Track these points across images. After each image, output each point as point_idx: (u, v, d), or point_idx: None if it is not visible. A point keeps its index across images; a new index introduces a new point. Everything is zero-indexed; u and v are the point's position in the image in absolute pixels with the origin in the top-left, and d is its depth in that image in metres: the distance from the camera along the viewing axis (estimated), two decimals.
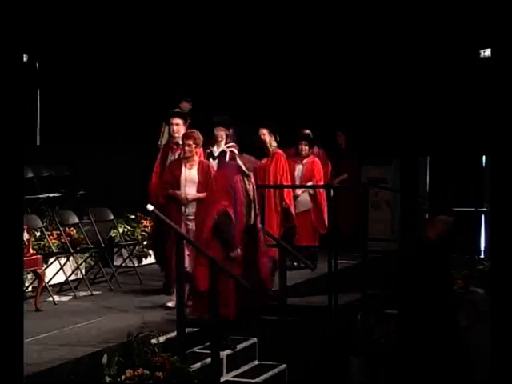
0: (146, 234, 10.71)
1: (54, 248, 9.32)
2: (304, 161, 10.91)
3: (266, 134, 10.09)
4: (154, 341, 6.75)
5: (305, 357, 8.21)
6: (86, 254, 9.74)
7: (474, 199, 13.45)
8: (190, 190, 8.38)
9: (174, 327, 7.15)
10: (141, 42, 13.28)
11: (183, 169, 8.42)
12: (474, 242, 13.45)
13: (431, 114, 13.34)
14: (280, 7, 13.37)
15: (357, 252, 10.09)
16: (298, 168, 10.89)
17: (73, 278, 9.43)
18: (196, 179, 8.40)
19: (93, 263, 9.91)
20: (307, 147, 10.91)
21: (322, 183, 10.87)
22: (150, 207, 7.46)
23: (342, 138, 13.12)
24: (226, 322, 7.41)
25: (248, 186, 7.66)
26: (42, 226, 9.25)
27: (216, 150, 9.43)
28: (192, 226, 8.28)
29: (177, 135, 8.78)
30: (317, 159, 11.09)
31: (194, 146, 8.36)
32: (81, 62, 13.06)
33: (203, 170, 8.44)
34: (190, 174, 8.41)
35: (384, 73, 13.50)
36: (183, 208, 8.37)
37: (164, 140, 10.59)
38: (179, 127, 8.82)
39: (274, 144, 10.19)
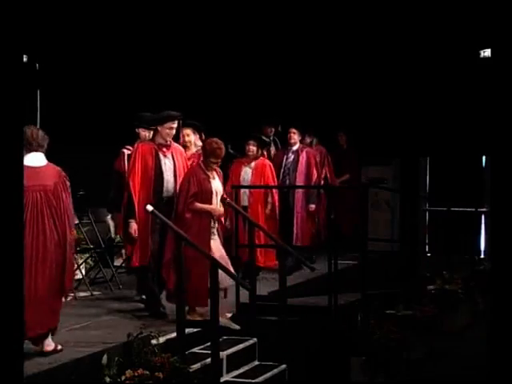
0: None
1: None
2: (252, 164, 10.27)
3: (190, 135, 9.29)
4: (153, 341, 6.76)
5: (305, 357, 8.21)
6: (86, 255, 9.75)
7: (474, 199, 13.46)
8: (218, 203, 7.99)
9: (174, 328, 7.15)
10: (140, 42, 13.28)
11: (211, 180, 7.92)
12: (474, 242, 13.47)
13: (431, 114, 13.35)
14: (281, 6, 13.35)
15: (357, 252, 10.09)
16: (245, 171, 10.29)
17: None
18: (222, 191, 8.06)
19: (93, 263, 9.91)
20: (255, 148, 10.26)
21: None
22: (149, 208, 7.42)
23: (344, 138, 13.12)
24: None
25: None
26: None
27: None
28: (217, 239, 7.95)
29: (169, 139, 8.30)
30: (267, 162, 10.41)
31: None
32: (81, 62, 13.05)
33: (221, 178, 8.13)
34: (217, 186, 7.97)
35: (384, 73, 13.50)
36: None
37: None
38: (173, 132, 8.35)
39: (199, 143, 9.37)
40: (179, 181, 8.14)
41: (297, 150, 10.94)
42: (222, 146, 7.98)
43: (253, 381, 7.55)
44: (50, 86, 13.39)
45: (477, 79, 12.51)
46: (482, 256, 12.74)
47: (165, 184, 8.14)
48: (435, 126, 13.36)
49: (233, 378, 7.55)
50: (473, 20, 12.59)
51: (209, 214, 7.84)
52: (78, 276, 9.51)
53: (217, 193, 7.93)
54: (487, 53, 12.97)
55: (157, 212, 7.43)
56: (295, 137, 10.96)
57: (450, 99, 13.22)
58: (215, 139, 8.02)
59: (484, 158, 13.81)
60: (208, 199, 7.84)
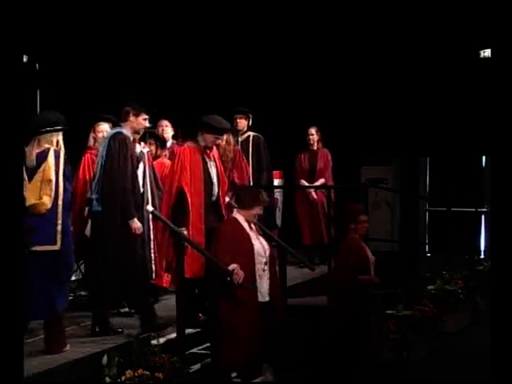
0: None
1: None
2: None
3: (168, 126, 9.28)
4: (153, 341, 6.75)
5: (305, 357, 8.19)
6: None
7: (474, 199, 13.46)
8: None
9: (174, 328, 7.15)
10: (140, 42, 13.30)
11: (367, 248, 7.84)
12: (474, 242, 13.47)
13: (431, 114, 13.35)
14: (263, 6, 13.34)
15: None
16: None
17: (73, 278, 9.41)
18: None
19: None
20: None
21: None
22: (149, 208, 7.37)
23: (314, 137, 11.67)
24: None
25: None
26: None
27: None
28: None
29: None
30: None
31: None
32: (81, 63, 13.06)
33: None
34: (371, 255, 7.88)
35: (384, 73, 13.49)
36: None
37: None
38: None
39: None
40: (221, 185, 7.83)
41: (169, 148, 9.44)
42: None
43: (253, 381, 7.53)
44: (50, 85, 13.39)
45: (477, 79, 12.50)
46: (482, 256, 12.73)
47: (213, 188, 7.78)
48: (435, 126, 13.34)
49: (233, 378, 7.54)
50: (473, 20, 12.59)
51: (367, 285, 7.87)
52: (78, 276, 9.50)
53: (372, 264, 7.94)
54: (487, 53, 12.96)
55: (157, 213, 7.36)
56: (168, 130, 9.77)
57: (450, 99, 13.20)
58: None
59: (484, 158, 13.81)
60: (368, 270, 7.84)
